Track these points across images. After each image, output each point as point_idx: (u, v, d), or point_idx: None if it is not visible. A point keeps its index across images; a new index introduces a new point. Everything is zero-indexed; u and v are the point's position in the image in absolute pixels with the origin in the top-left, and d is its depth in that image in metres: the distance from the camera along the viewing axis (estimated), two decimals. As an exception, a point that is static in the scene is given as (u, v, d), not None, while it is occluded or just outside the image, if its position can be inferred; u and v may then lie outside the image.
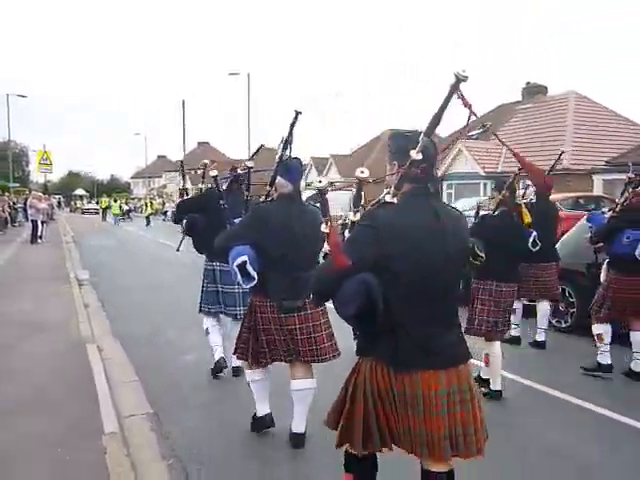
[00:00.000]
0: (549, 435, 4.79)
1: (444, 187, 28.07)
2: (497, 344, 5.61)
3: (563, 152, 7.94)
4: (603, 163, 21.02)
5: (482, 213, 6.01)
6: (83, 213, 62.17)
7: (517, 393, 5.80)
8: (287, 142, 4.32)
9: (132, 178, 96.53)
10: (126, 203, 52.42)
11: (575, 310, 8.24)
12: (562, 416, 5.26)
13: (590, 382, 6.19)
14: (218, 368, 6.03)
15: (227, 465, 4.19)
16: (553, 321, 8.39)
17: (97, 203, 54.32)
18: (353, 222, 2.80)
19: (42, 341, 7.21)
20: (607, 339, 6.29)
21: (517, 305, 7.22)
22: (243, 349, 4.44)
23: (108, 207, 43.21)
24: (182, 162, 7.38)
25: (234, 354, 4.61)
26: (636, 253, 5.86)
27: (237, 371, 6.00)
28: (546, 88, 30.90)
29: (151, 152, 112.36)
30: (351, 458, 2.92)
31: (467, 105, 2.84)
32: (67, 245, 20.93)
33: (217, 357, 6.03)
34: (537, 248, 6.42)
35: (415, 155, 2.67)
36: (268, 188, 4.36)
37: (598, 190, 19.50)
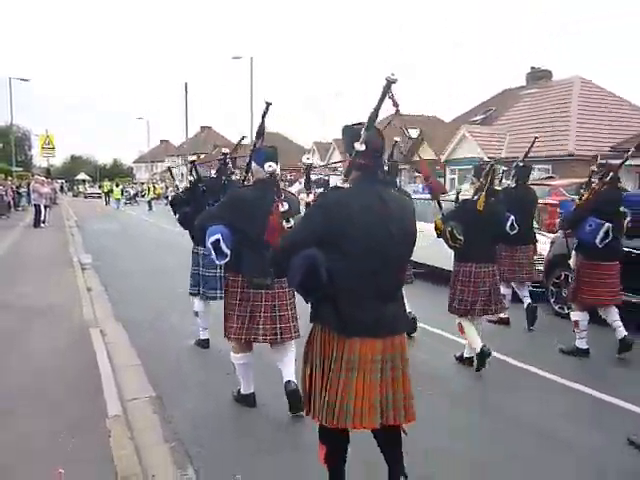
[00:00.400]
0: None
1: (447, 172, 28.04)
2: (476, 319, 6.07)
3: (537, 138, 8.32)
4: (608, 149, 20.94)
5: (462, 198, 6.28)
6: (86, 197, 62.19)
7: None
8: (260, 131, 4.70)
9: (135, 162, 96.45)
10: (132, 187, 52.53)
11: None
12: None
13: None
14: (200, 344, 6.60)
15: (229, 448, 4.22)
16: (556, 307, 8.44)
17: (100, 187, 54.60)
18: (307, 203, 3.28)
19: (46, 325, 7.23)
20: (583, 326, 6.50)
21: (506, 290, 7.66)
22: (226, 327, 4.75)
23: (110, 191, 43.40)
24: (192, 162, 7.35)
25: (226, 337, 4.82)
26: (596, 241, 5.99)
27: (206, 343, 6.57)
28: (551, 73, 30.73)
29: (154, 137, 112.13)
30: (323, 429, 3.15)
31: (395, 104, 3.42)
32: (70, 229, 20.94)
33: (202, 337, 6.61)
34: (515, 231, 6.67)
35: (358, 147, 3.00)
36: (245, 174, 4.74)
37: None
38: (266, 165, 3.90)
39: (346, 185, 3.08)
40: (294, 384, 4.59)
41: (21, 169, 45.70)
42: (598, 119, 24.40)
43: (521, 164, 8.05)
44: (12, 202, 28.96)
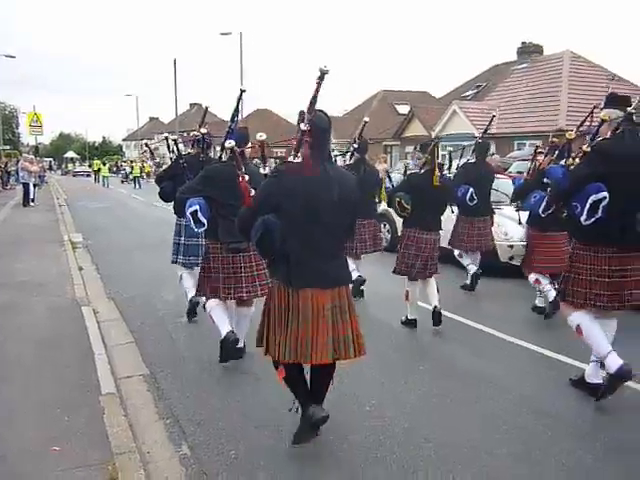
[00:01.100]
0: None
1: (439, 148, 27.96)
2: (417, 282, 6.68)
3: (494, 116, 8.79)
4: (598, 124, 20.92)
5: (409, 172, 6.91)
6: (74, 176, 61.83)
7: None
8: (235, 114, 5.18)
9: (124, 140, 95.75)
10: (127, 165, 52.09)
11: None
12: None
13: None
14: (192, 307, 6.76)
15: (224, 425, 4.24)
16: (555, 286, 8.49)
17: (89, 166, 54.47)
18: (265, 175, 3.86)
19: (38, 304, 7.22)
20: (544, 281, 6.92)
21: (472, 256, 8.57)
22: (201, 287, 5.34)
23: (99, 169, 43.37)
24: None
25: (196, 294, 5.69)
26: (540, 211, 5.97)
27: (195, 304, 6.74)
28: (542, 47, 30.55)
29: (143, 114, 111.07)
30: (277, 364, 3.83)
31: (315, 95, 3.63)
32: (60, 208, 20.82)
33: (189, 297, 6.73)
34: (474, 203, 7.79)
35: (303, 127, 3.60)
36: (220, 152, 5.16)
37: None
38: (226, 142, 4.40)
39: (296, 160, 3.67)
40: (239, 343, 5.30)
41: (9, 147, 45.24)
42: (589, 93, 24.35)
43: (479, 141, 8.54)
44: (0, 181, 28.73)
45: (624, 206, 4.36)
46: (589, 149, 4.62)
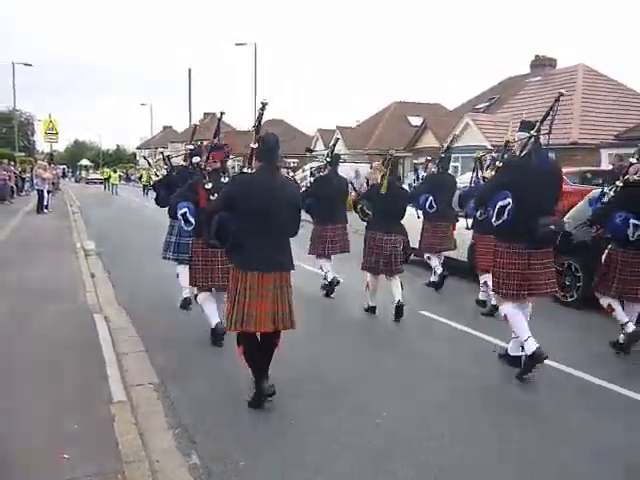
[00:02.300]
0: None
1: (451, 160, 27.93)
2: (378, 277, 7.69)
3: (456, 135, 10.44)
4: (612, 137, 20.84)
5: (372, 182, 7.88)
6: (87, 183, 62.30)
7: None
8: (217, 132, 6.37)
9: (138, 148, 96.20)
10: (139, 173, 52.40)
11: (581, 284, 8.23)
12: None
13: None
14: (185, 304, 7.69)
15: (233, 435, 4.25)
16: (559, 295, 8.45)
17: (102, 174, 55.13)
18: (225, 183, 5.25)
19: (50, 311, 7.25)
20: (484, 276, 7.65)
21: (435, 258, 9.56)
22: (192, 278, 6.25)
23: (109, 177, 44.34)
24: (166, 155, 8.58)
25: (190, 284, 6.53)
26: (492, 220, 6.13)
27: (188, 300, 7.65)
28: (555, 61, 30.50)
29: (157, 122, 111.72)
30: (239, 335, 4.72)
31: (259, 122, 5.01)
32: (73, 215, 20.94)
33: (185, 295, 7.67)
34: (433, 210, 8.99)
35: (253, 145, 4.77)
36: (203, 164, 6.08)
37: (606, 164, 19.36)
38: (194, 159, 5.83)
39: (249, 170, 4.83)
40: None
41: (24, 154, 45.58)
42: (602, 107, 24.27)
43: (442, 155, 9.61)
44: (15, 187, 28.95)
45: (529, 211, 5.29)
46: (501, 164, 5.92)
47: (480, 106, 31.18)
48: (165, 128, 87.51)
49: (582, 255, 8.24)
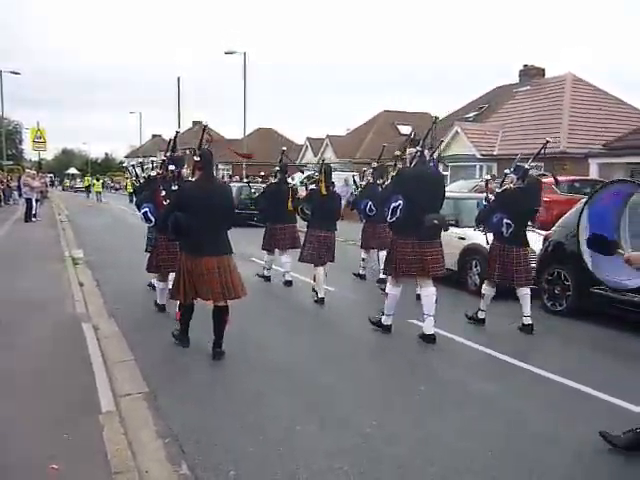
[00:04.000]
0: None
1: (440, 168, 27.99)
2: (320, 268, 8.85)
3: (384, 146, 11.04)
4: (599, 147, 21.00)
5: (310, 187, 9.29)
6: (75, 192, 62.32)
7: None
8: (174, 145, 7.87)
9: (127, 157, 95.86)
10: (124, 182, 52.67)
11: (570, 293, 8.21)
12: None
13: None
14: (159, 308, 8.12)
15: (223, 444, 4.21)
16: (548, 304, 8.49)
17: (83, 182, 56.39)
18: (174, 190, 6.62)
19: (38, 320, 7.20)
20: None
21: (366, 255, 11.04)
22: (157, 265, 7.82)
23: (89, 185, 46.51)
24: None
25: (153, 271, 8.01)
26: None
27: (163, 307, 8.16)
28: (543, 70, 30.74)
29: (146, 131, 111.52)
30: (181, 305, 6.31)
31: (201, 140, 6.36)
32: (61, 224, 20.84)
33: (158, 299, 8.18)
34: (372, 213, 10.09)
35: (196, 158, 6.00)
36: (165, 173, 7.54)
37: (594, 174, 19.49)
38: (169, 167, 7.26)
39: (193, 179, 6.25)
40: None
41: (11, 163, 45.37)
42: (590, 117, 24.46)
43: (375, 164, 11.04)
44: (3, 196, 28.79)
45: (418, 209, 6.56)
46: (395, 174, 7.17)
47: (469, 115, 31.33)
48: (154, 136, 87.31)
49: (572, 264, 8.10)
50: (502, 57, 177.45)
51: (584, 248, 4.32)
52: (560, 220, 8.96)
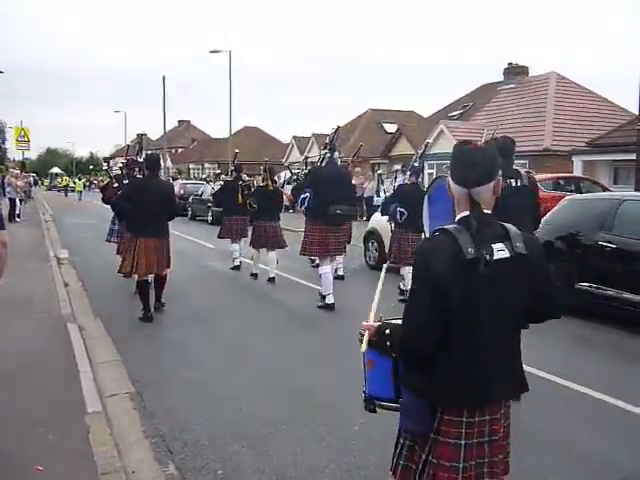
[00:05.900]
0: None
1: (425, 166, 28.08)
2: (272, 252, 10.44)
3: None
4: (583, 144, 21.14)
5: (256, 184, 11.06)
6: (59, 191, 61.94)
7: None
8: (140, 148, 8.98)
9: (111, 157, 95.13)
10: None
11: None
12: None
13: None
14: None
15: (211, 444, 4.20)
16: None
17: (60, 182, 58.30)
18: (125, 183, 8.68)
19: (23, 320, 7.14)
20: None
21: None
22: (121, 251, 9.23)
23: (68, 185, 50.74)
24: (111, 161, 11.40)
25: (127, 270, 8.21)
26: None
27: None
28: (527, 69, 30.87)
29: (131, 130, 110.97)
30: (138, 281, 7.57)
31: (140, 149, 8.70)
32: (46, 224, 20.67)
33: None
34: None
35: (140, 159, 8.20)
36: (142, 171, 8.23)
37: (578, 171, 19.64)
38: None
39: (139, 176, 8.05)
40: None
41: (-5, 162, 44.93)
42: (573, 115, 24.62)
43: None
44: (-15, 196, 28.46)
45: (325, 200, 7.85)
46: (307, 172, 9.05)
47: (454, 113, 31.44)
48: (138, 135, 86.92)
49: (561, 263, 8.01)
50: (487, 56, 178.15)
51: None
52: (545, 218, 8.98)
